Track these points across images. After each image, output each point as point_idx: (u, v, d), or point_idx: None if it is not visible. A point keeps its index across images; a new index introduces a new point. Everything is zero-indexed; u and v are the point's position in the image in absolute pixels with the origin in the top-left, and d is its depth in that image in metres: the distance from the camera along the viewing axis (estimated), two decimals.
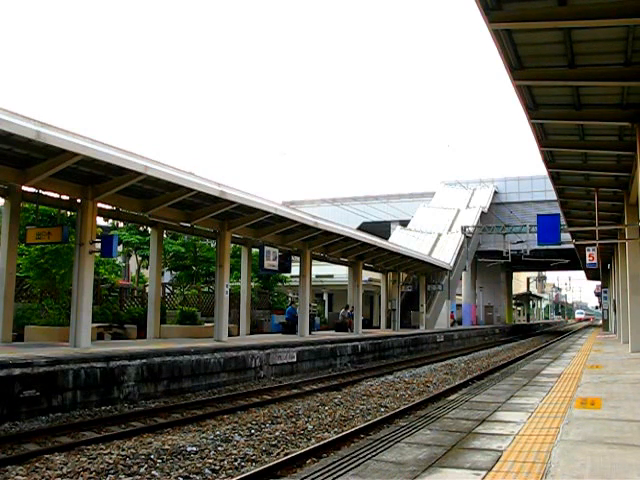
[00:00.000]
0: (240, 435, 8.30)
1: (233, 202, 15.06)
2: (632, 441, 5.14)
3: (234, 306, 22.06)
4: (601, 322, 46.57)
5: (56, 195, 13.81)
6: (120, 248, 26.18)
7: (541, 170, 18.49)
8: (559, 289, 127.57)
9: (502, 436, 5.57)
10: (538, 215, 17.47)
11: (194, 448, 7.43)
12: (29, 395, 9.10)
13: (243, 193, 15.34)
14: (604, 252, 27.29)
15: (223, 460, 6.98)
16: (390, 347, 23.12)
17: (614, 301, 29.24)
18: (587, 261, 22.26)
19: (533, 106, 11.80)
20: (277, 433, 8.44)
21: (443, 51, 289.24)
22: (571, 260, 43.84)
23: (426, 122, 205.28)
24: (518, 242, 36.07)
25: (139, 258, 29.50)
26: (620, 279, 22.19)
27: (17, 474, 6.33)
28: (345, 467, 4.57)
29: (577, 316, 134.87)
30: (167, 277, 29.50)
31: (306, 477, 4.43)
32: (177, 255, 26.41)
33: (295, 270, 23.36)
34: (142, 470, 6.53)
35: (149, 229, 20.60)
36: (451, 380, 15.43)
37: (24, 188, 13.38)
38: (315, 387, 13.56)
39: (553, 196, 22.12)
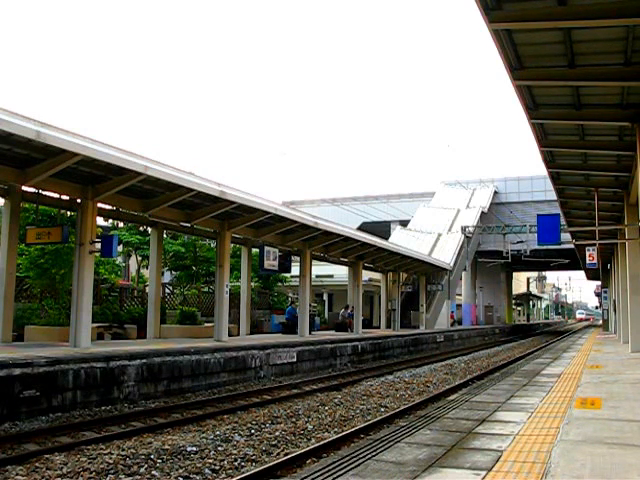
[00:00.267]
0: (240, 435, 8.30)
1: (233, 202, 15.06)
2: (632, 441, 5.14)
3: (234, 306, 22.06)
4: (601, 322, 46.57)
5: (56, 195, 13.81)
6: (120, 248, 26.18)
7: (541, 170, 18.50)
8: (559, 289, 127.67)
9: (502, 436, 5.57)
10: (538, 215, 17.47)
11: (194, 448, 7.43)
12: (29, 395, 9.10)
13: (243, 193, 15.35)
14: (604, 252, 27.30)
15: (223, 460, 6.98)
16: (390, 347, 23.12)
17: (614, 301, 29.24)
18: (587, 261, 22.26)
19: (533, 106, 11.80)
20: (277, 433, 8.44)
21: (443, 51, 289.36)
22: (571, 260, 43.84)
23: (426, 122, 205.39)
24: (518, 242, 36.07)
25: (139, 258, 29.50)
26: (620, 279, 22.19)
27: (17, 474, 6.33)
28: (345, 467, 4.57)
29: (578, 316, 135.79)
30: (167, 277, 29.49)
31: (306, 477, 4.43)
32: (177, 255, 26.41)
33: (295, 270, 23.36)
34: (142, 470, 6.53)
35: (149, 229, 20.60)
36: (451, 380, 15.43)
37: (24, 188, 13.38)
38: (315, 387, 13.56)
39: (553, 196, 22.12)
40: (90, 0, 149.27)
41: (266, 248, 19.69)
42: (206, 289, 25.44)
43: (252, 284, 24.11)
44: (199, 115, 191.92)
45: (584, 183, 17.83)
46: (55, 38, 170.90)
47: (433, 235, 40.57)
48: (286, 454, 7.22)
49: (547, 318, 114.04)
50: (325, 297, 36.46)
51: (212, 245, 26.55)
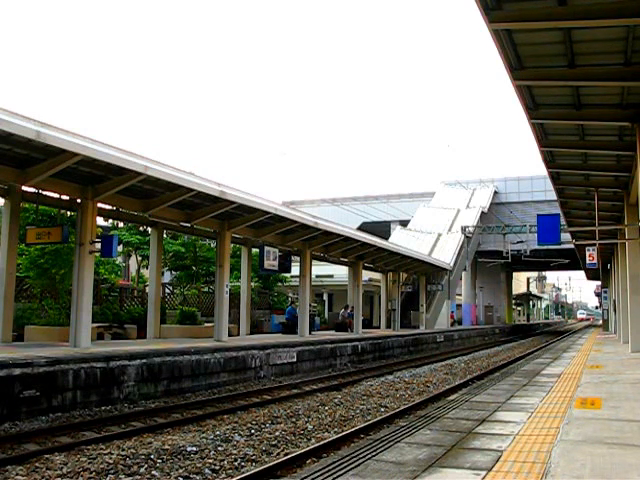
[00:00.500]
0: (240, 435, 8.29)
1: (233, 202, 15.06)
2: (632, 441, 5.14)
3: (234, 306, 22.05)
4: (601, 322, 46.56)
5: (56, 195, 13.80)
6: (120, 248, 26.17)
7: (541, 170, 18.49)
8: (559, 289, 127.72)
9: (502, 436, 5.57)
10: (538, 215, 17.46)
11: (194, 448, 7.43)
12: (29, 395, 9.10)
13: (243, 193, 15.34)
14: (604, 252, 27.29)
15: (223, 460, 6.98)
16: (390, 347, 23.11)
17: (614, 301, 29.23)
18: (587, 261, 22.25)
19: (533, 106, 11.80)
20: (277, 433, 8.44)
21: (443, 51, 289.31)
22: (571, 260, 43.83)
23: (426, 122, 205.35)
24: (518, 242, 36.06)
25: (139, 258, 29.48)
26: (620, 279, 22.19)
27: (17, 474, 6.33)
28: (345, 467, 4.57)
29: (579, 316, 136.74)
30: (167, 277, 29.48)
31: (306, 477, 4.43)
32: (177, 255, 26.40)
33: (295, 270, 23.35)
34: (142, 470, 6.53)
35: (149, 229, 20.59)
36: (451, 380, 15.42)
37: (24, 188, 13.38)
38: (315, 387, 13.56)
39: (553, 196, 22.11)
40: (90, 0, 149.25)
41: (266, 248, 19.69)
42: (206, 289, 25.43)
43: (252, 284, 24.10)
44: (199, 115, 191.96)
45: (584, 183, 17.82)
46: (55, 38, 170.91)
47: (433, 235, 40.56)
48: (286, 454, 7.21)
49: (547, 318, 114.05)
50: (325, 297, 36.45)
51: (212, 245, 26.54)
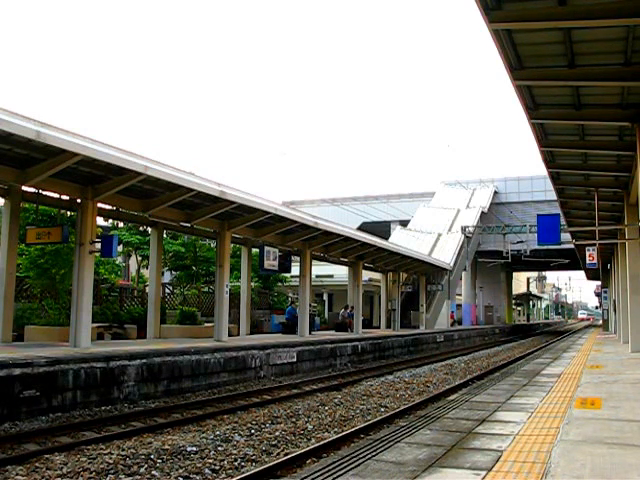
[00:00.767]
0: (240, 435, 8.29)
1: (233, 202, 15.06)
2: (632, 441, 5.14)
3: (234, 306, 22.05)
4: (601, 322, 46.56)
5: (56, 195, 13.80)
6: (120, 248, 26.17)
7: (541, 170, 18.49)
8: (559, 289, 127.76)
9: (502, 436, 5.57)
10: (538, 215, 17.46)
11: (194, 448, 7.43)
12: (29, 395, 9.10)
13: (243, 193, 15.34)
14: (604, 252, 27.29)
15: (223, 460, 6.98)
16: (390, 347, 23.11)
17: (614, 301, 29.23)
18: (587, 261, 22.25)
19: (533, 106, 11.80)
20: (277, 433, 8.44)
21: (443, 51, 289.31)
22: (571, 260, 43.83)
23: (426, 122, 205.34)
24: (518, 242, 36.05)
25: (139, 258, 29.49)
26: (620, 279, 22.19)
27: (17, 474, 6.33)
28: (345, 467, 4.57)
29: (580, 316, 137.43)
30: (167, 277, 29.48)
31: (306, 477, 4.43)
32: (177, 255, 26.40)
33: (295, 270, 23.35)
34: (142, 470, 6.53)
35: (149, 229, 20.59)
36: (451, 380, 15.42)
37: (24, 188, 13.38)
38: (315, 387, 13.56)
39: (553, 196, 22.11)
40: (90, 0, 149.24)
41: (266, 248, 19.69)
42: (206, 289, 25.44)
43: (252, 284, 24.10)
44: (199, 115, 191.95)
45: (584, 183, 17.82)
46: (55, 38, 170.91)
47: (433, 235, 40.56)
48: (286, 454, 7.21)
49: (547, 318, 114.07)
50: (325, 297, 36.44)
51: (212, 245, 26.54)
